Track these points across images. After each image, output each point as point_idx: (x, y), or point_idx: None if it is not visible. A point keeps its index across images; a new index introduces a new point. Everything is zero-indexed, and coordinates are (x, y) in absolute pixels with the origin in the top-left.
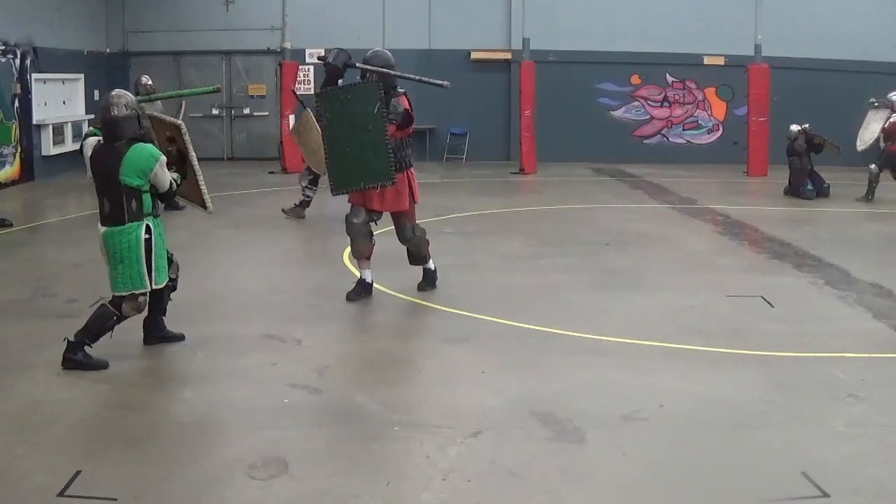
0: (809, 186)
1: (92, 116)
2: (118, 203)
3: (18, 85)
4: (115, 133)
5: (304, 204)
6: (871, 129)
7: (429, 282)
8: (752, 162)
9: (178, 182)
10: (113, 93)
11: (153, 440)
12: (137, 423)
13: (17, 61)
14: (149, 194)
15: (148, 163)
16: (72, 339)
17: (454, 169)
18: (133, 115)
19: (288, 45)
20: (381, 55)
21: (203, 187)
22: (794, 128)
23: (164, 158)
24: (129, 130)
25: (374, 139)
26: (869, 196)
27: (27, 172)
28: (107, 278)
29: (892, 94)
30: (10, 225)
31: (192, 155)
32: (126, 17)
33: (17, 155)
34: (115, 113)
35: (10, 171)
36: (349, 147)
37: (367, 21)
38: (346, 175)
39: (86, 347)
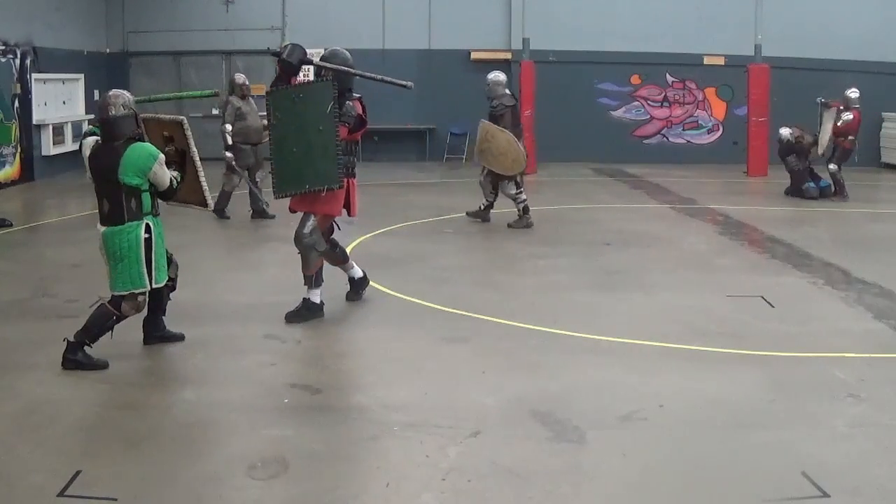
0: (812, 184)
1: (92, 116)
2: (118, 202)
3: (18, 85)
4: (113, 133)
5: (489, 207)
6: (825, 130)
7: (300, 313)
8: (752, 162)
9: (179, 180)
10: (110, 92)
11: (153, 440)
12: (137, 423)
13: (17, 61)
14: (148, 193)
15: (147, 161)
16: (71, 339)
17: (454, 169)
18: (130, 115)
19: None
20: (340, 54)
21: (204, 184)
22: (785, 132)
23: (162, 157)
24: (127, 129)
25: (324, 140)
26: (843, 194)
27: (27, 172)
28: (107, 278)
29: (848, 91)
30: (10, 225)
31: (194, 151)
32: (126, 17)
33: (17, 155)
34: (113, 112)
35: (10, 171)
36: (297, 147)
37: (367, 21)
38: (291, 177)
39: (85, 347)
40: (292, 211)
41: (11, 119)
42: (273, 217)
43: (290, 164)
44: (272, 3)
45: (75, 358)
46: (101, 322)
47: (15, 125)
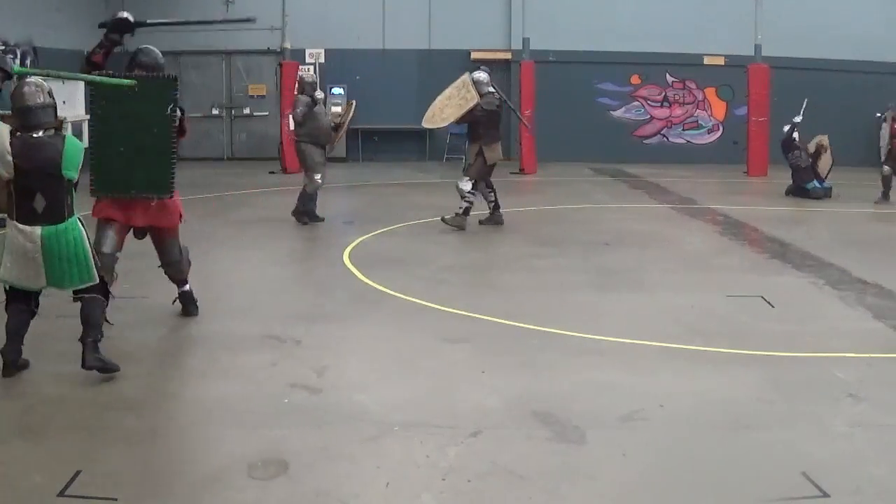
0: (817, 185)
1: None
2: (58, 199)
3: None
4: (38, 122)
5: (496, 207)
6: (882, 136)
7: (191, 307)
8: (752, 162)
9: None
10: (30, 79)
11: (153, 440)
12: (137, 423)
13: (17, 61)
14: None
15: (81, 155)
16: (88, 341)
17: (454, 169)
18: (53, 104)
19: (288, 45)
20: (153, 54)
21: None
22: (787, 128)
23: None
24: (51, 119)
25: (157, 144)
26: (885, 197)
27: None
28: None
29: None
30: None
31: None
32: None
33: None
34: (41, 100)
35: None
36: (124, 147)
37: (367, 21)
38: (115, 177)
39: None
40: (127, 228)
41: None
42: (322, 220)
43: (115, 165)
44: (272, 3)
45: (100, 356)
46: (100, 313)
47: None
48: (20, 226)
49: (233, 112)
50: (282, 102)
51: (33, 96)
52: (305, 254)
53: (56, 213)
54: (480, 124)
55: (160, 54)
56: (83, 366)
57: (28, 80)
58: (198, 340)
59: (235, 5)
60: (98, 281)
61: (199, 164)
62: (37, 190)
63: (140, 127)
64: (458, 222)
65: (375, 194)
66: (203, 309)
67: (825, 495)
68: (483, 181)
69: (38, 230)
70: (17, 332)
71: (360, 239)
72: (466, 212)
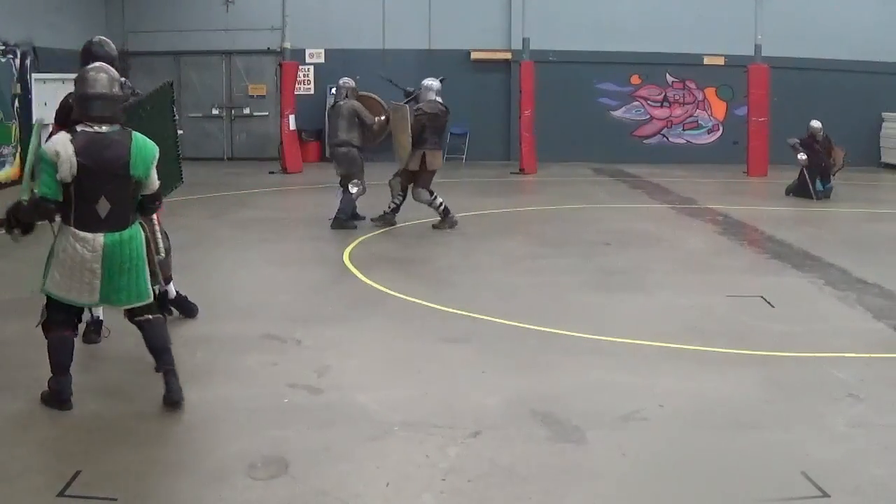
0: (820, 187)
1: None
2: (124, 203)
3: (18, 85)
4: (103, 114)
5: (395, 210)
6: None
7: (189, 307)
8: (752, 162)
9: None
10: (99, 64)
11: (153, 440)
12: (137, 423)
13: (17, 61)
14: None
15: (154, 152)
16: (171, 369)
17: (454, 169)
18: (122, 98)
19: (288, 45)
20: (107, 46)
21: None
22: (816, 124)
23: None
24: (118, 114)
25: (169, 147)
26: None
27: None
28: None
29: None
30: None
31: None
32: (126, 17)
33: (17, 155)
34: (115, 91)
35: (10, 171)
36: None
37: (367, 21)
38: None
39: None
40: None
41: (11, 119)
42: (355, 227)
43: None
44: (272, 3)
45: (179, 385)
46: (166, 334)
47: (15, 125)
48: (80, 233)
49: (233, 112)
50: (282, 102)
51: (106, 84)
52: (306, 254)
53: (121, 218)
54: (427, 129)
55: (113, 46)
56: (168, 402)
57: (96, 64)
58: (198, 341)
59: (236, 5)
60: (152, 299)
61: (199, 164)
62: (101, 192)
63: (156, 138)
64: (448, 223)
65: (375, 194)
66: (203, 309)
67: (825, 495)
68: (404, 187)
69: (100, 238)
70: (66, 365)
71: (360, 239)
72: (445, 210)
